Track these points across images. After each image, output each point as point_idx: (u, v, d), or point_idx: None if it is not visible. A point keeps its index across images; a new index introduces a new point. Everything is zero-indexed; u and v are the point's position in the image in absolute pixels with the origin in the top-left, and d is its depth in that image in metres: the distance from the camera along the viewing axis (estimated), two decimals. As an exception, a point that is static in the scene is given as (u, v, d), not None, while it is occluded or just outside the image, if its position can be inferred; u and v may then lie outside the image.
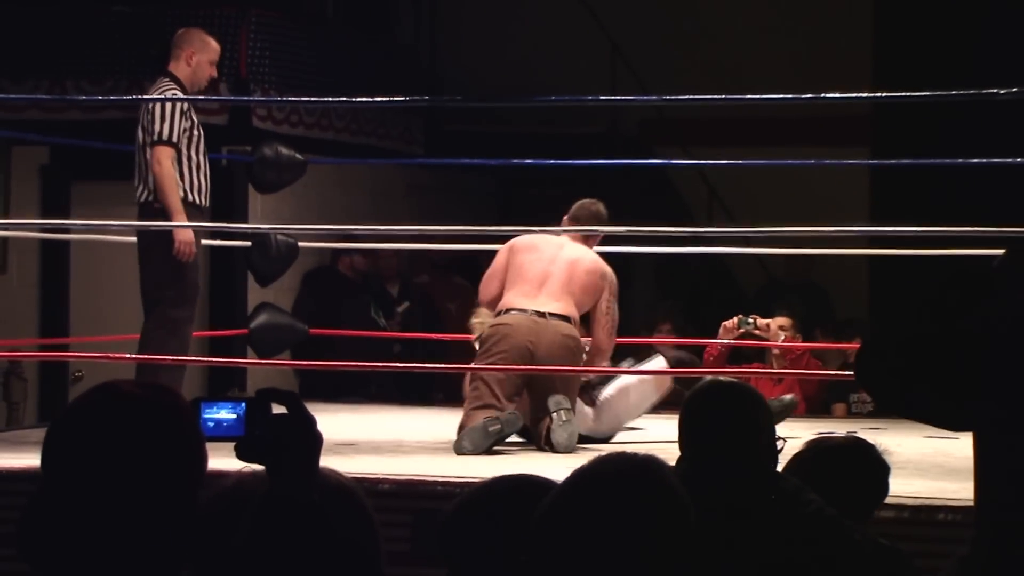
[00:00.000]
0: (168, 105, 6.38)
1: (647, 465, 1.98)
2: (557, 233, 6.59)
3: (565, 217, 6.62)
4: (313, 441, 1.99)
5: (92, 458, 1.99)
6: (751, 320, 7.47)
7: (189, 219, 6.43)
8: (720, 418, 3.31)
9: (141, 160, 6.48)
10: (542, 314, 6.35)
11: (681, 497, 1.95)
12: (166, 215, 6.39)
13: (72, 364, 9.63)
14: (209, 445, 2.05)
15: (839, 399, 8.29)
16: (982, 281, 2.33)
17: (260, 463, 1.98)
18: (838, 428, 6.17)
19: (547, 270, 6.45)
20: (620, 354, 6.92)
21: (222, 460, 2.17)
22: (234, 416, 2.07)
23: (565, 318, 6.37)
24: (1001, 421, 2.26)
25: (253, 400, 2.00)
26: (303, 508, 1.96)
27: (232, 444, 1.99)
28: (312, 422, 2.00)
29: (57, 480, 2.00)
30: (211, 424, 2.09)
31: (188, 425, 2.04)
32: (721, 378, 3.51)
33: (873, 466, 3.87)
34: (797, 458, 3.82)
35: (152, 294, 6.49)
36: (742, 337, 7.64)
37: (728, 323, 7.49)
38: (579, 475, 1.98)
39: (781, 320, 7.88)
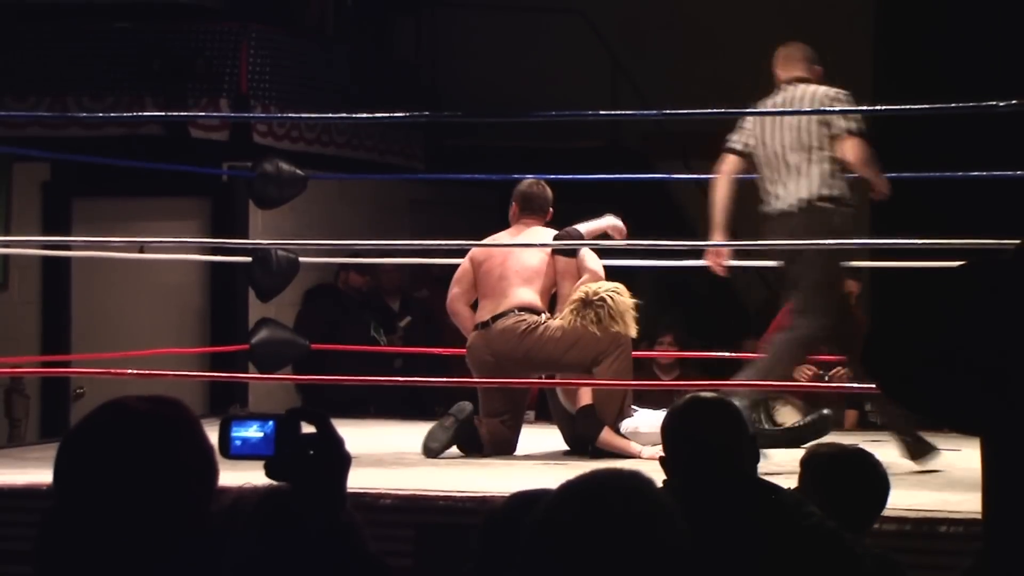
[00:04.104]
0: None
1: (635, 478, 1.99)
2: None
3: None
4: (341, 461, 2.01)
5: (102, 475, 1.99)
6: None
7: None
8: (702, 432, 3.32)
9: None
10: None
11: (670, 510, 1.95)
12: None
13: (73, 380, 9.62)
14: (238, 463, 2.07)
15: (852, 407, 8.22)
16: (993, 273, 2.31)
17: (289, 482, 1.99)
18: (842, 439, 6.16)
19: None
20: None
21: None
22: (261, 435, 2.07)
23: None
24: (1010, 422, 2.24)
25: (283, 419, 2.02)
26: (330, 526, 1.97)
27: (252, 461, 2.01)
28: (340, 442, 2.02)
29: (69, 497, 2.00)
30: (238, 442, 2.09)
31: (197, 439, 2.05)
32: (700, 393, 3.52)
33: (870, 476, 3.88)
34: (806, 465, 3.84)
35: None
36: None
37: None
38: (568, 487, 1.98)
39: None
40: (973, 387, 2.26)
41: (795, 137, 6.08)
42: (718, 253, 6.35)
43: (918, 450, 5.94)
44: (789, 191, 6.07)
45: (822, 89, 6.10)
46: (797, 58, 6.29)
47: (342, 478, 2.02)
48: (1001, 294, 2.27)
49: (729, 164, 6.24)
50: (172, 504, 2.00)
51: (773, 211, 6.12)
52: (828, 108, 6.02)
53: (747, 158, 6.20)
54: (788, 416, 7.44)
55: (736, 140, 6.24)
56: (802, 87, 6.16)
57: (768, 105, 6.20)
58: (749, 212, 10.98)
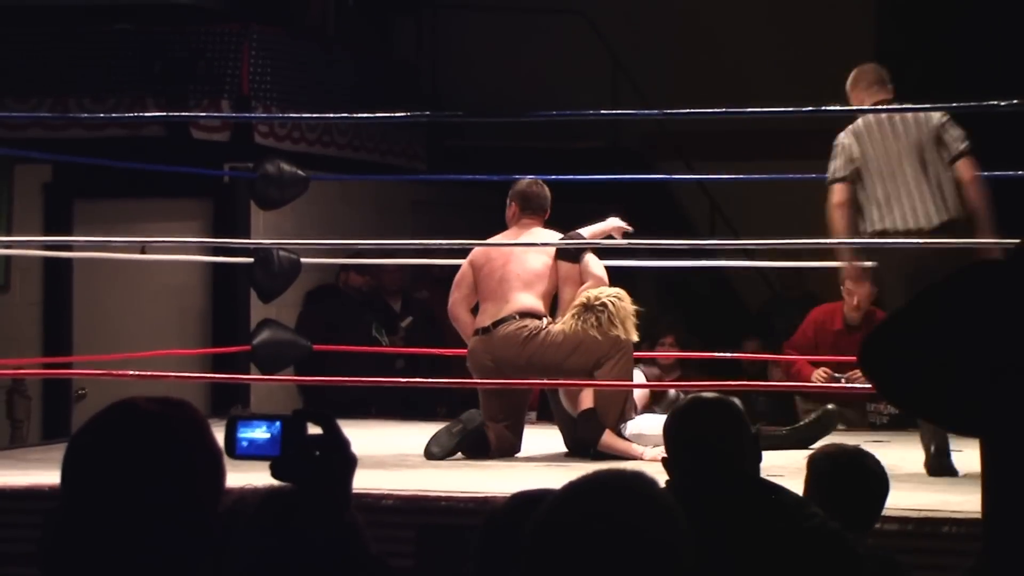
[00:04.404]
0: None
1: (638, 479, 1.99)
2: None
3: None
4: (347, 462, 2.01)
5: (111, 474, 1.99)
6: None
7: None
8: (704, 433, 3.32)
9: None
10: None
11: (673, 511, 1.95)
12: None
13: (75, 382, 9.63)
14: (241, 464, 2.07)
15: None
16: (992, 273, 2.30)
17: (295, 483, 1.99)
18: (845, 439, 6.16)
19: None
20: None
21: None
22: (267, 435, 2.07)
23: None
24: (1009, 422, 2.24)
25: (289, 420, 2.02)
26: (335, 527, 1.97)
27: (258, 462, 2.01)
28: (346, 443, 2.01)
29: (77, 497, 2.00)
30: (245, 443, 2.09)
31: (205, 441, 2.05)
32: (703, 393, 3.52)
33: (868, 475, 3.90)
34: (810, 466, 3.87)
35: None
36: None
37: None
38: (571, 488, 1.98)
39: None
40: (972, 388, 2.25)
41: (916, 158, 6.07)
42: (855, 293, 6.34)
43: (936, 468, 5.90)
44: (920, 211, 6.04)
45: (933, 114, 6.10)
46: (873, 80, 6.29)
47: (348, 479, 2.02)
48: (1000, 294, 2.27)
49: (843, 194, 6.12)
50: (179, 505, 2.00)
51: (899, 229, 6.07)
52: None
53: (854, 182, 6.14)
54: None
55: (840, 167, 6.13)
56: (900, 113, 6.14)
57: (873, 125, 6.12)
58: (751, 212, 11.00)
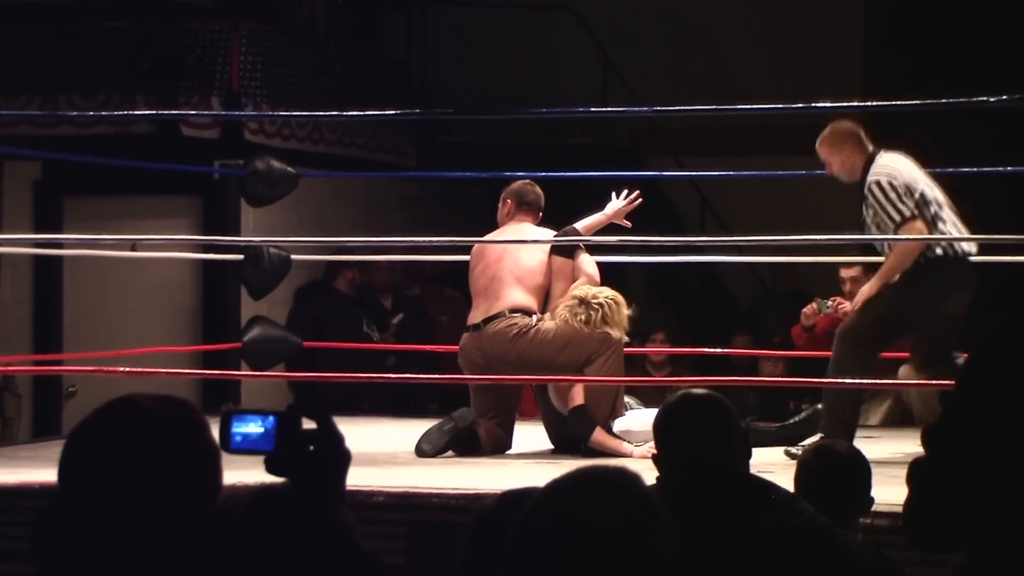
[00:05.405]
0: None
1: (620, 475, 1.99)
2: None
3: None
4: (342, 457, 2.02)
5: (110, 471, 2.00)
6: (830, 304, 7.67)
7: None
8: (694, 429, 3.33)
9: None
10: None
11: (655, 507, 1.96)
12: None
13: (65, 379, 9.62)
14: (234, 458, 2.08)
15: None
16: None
17: (289, 477, 1.99)
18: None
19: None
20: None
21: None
22: (261, 430, 2.07)
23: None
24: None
25: (284, 415, 2.02)
26: (329, 523, 1.98)
27: (252, 457, 2.01)
28: (341, 439, 2.02)
29: (74, 493, 2.01)
30: (239, 438, 2.10)
31: (204, 440, 2.05)
32: (692, 390, 3.52)
33: (848, 469, 3.95)
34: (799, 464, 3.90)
35: None
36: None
37: (807, 310, 7.78)
38: (553, 486, 1.99)
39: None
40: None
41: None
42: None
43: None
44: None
45: None
46: (862, 137, 6.56)
47: (341, 475, 2.02)
48: None
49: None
50: (177, 503, 2.01)
51: (958, 255, 6.17)
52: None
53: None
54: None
55: (915, 208, 6.20)
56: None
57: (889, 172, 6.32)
58: (740, 208, 11.00)
